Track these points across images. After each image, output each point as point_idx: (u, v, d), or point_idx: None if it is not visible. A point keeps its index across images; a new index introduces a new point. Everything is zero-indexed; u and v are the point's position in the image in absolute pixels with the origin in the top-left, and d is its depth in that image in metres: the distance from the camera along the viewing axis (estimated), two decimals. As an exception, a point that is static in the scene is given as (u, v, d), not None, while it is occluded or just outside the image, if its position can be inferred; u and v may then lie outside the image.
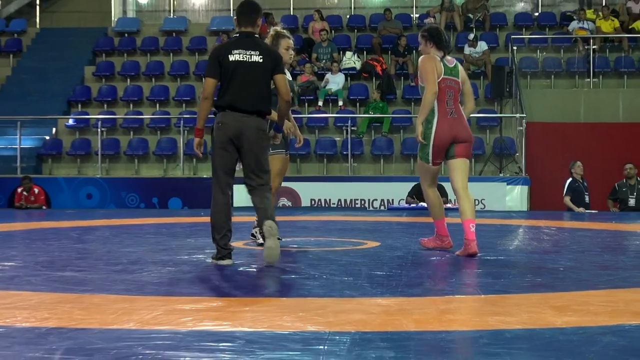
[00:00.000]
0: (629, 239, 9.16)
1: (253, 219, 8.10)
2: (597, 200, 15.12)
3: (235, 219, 7.49)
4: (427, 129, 7.03)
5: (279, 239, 6.26)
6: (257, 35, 6.71)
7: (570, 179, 14.70)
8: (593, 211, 14.41)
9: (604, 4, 20.91)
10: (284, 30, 7.86)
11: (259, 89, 6.58)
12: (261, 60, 6.52)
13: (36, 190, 15.73)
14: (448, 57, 7.20)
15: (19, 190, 15.70)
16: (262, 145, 6.68)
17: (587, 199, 14.59)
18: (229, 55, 6.51)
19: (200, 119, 6.98)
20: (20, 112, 18.86)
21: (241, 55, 6.51)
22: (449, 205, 14.81)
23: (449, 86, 7.05)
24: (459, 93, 7.17)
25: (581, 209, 14.38)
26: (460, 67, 7.23)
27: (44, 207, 15.66)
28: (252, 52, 6.53)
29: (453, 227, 7.78)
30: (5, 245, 8.40)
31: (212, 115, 6.92)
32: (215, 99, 6.80)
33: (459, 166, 7.20)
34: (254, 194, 6.67)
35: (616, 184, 14.72)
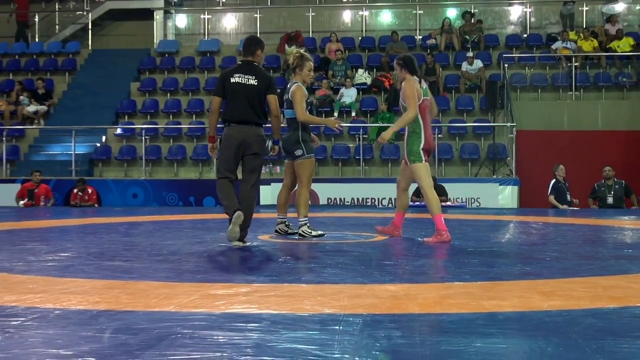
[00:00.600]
0: (607, 232, 9.11)
1: (275, 215, 8.11)
2: (578, 198, 15.06)
3: (260, 215, 7.53)
4: (416, 139, 7.47)
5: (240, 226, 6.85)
6: (255, 64, 7.29)
7: (554, 180, 14.66)
8: (575, 208, 14.35)
9: (584, 27, 20.80)
10: (307, 54, 7.95)
11: (254, 105, 7.11)
12: (256, 83, 7.10)
13: (89, 190, 15.79)
14: (421, 81, 7.68)
15: (75, 190, 15.75)
16: (260, 148, 7.19)
17: (568, 197, 14.55)
18: (231, 78, 7.17)
19: (210, 128, 7.57)
20: (74, 123, 18.96)
21: (240, 78, 7.14)
22: (448, 203, 14.80)
23: (427, 105, 7.56)
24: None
25: (565, 207, 14.33)
26: (427, 88, 7.72)
27: (95, 206, 15.70)
28: (249, 77, 7.15)
29: (449, 223, 7.75)
30: (61, 238, 8.44)
31: (221, 125, 7.42)
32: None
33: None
34: (243, 187, 7.26)
35: (596, 184, 14.65)
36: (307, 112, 7.88)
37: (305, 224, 7.80)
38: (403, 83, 7.54)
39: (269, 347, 3.09)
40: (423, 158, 7.48)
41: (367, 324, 3.52)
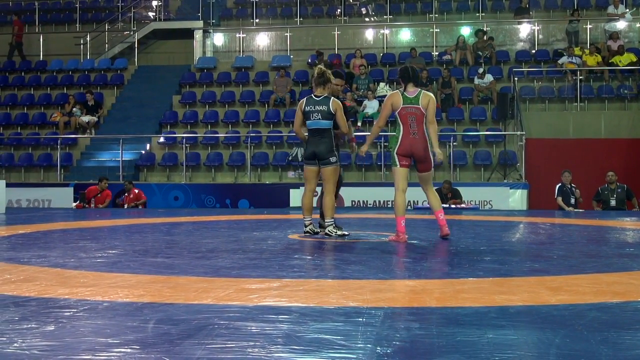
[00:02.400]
0: (610, 232, 9.02)
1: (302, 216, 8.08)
2: (583, 201, 14.93)
3: (290, 216, 7.54)
4: (394, 143, 7.46)
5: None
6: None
7: (560, 184, 14.55)
8: (580, 210, 14.23)
9: (588, 43, 20.65)
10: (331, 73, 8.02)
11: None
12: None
13: (136, 190, 15.87)
14: (410, 89, 7.42)
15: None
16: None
17: (572, 200, 14.43)
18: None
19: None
20: (122, 132, 19.13)
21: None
22: (463, 205, 14.73)
23: (409, 112, 7.36)
24: (423, 117, 7.37)
25: (570, 208, 14.21)
26: (422, 96, 7.38)
27: (140, 205, 15.75)
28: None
29: (463, 224, 7.70)
30: (110, 237, 8.50)
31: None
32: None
33: (422, 178, 7.58)
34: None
35: (599, 188, 14.51)
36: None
37: (332, 224, 7.80)
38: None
39: (298, 337, 3.08)
40: (398, 162, 7.34)
41: (388, 316, 3.51)
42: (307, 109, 7.77)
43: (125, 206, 15.57)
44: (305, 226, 8.00)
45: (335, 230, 7.78)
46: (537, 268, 5.38)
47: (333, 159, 7.73)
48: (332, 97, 7.78)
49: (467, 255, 6.16)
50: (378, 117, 7.58)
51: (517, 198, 15.61)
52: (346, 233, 7.84)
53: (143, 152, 19.21)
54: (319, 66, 8.08)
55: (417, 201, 15.22)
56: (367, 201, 15.86)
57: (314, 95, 7.82)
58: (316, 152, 7.74)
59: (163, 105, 21.07)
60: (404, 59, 20.78)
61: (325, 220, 7.86)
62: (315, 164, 7.81)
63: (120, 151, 18.40)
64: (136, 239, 8.01)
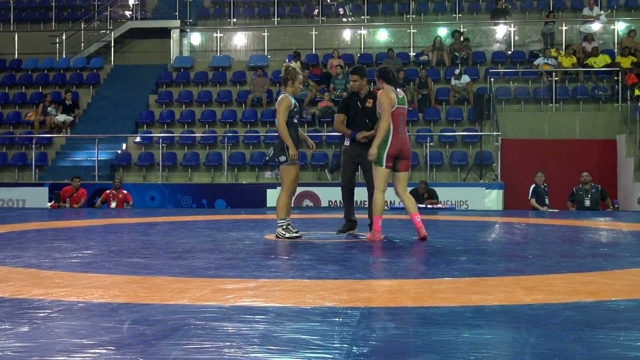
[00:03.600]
0: (584, 232, 9.10)
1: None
2: (558, 201, 15.05)
3: (266, 216, 7.53)
4: (384, 144, 7.37)
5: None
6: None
7: (534, 184, 14.65)
8: (554, 210, 14.33)
9: (564, 44, 20.83)
10: (297, 68, 7.91)
11: None
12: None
13: (125, 191, 15.75)
14: (398, 90, 7.60)
15: (108, 190, 15.72)
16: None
17: (547, 200, 14.55)
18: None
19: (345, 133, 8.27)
20: (98, 131, 19.00)
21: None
22: (439, 205, 14.78)
23: (400, 113, 7.49)
24: (406, 117, 7.64)
25: (545, 208, 14.33)
26: (405, 97, 7.67)
27: (130, 204, 15.65)
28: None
29: (440, 224, 7.72)
30: (85, 237, 8.44)
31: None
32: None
33: (401, 178, 7.53)
34: None
35: (574, 188, 14.63)
36: (302, 123, 7.93)
37: (281, 226, 7.62)
38: (379, 92, 7.54)
39: (274, 337, 3.08)
40: (384, 163, 7.34)
41: (365, 316, 3.51)
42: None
43: (113, 205, 15.44)
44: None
45: (283, 233, 7.58)
46: (512, 268, 5.41)
47: (282, 159, 7.57)
48: (284, 94, 7.65)
49: (443, 255, 6.18)
50: (383, 115, 7.35)
51: (492, 198, 15.70)
52: (297, 235, 7.59)
53: (119, 151, 19.10)
54: (287, 63, 8.03)
55: (394, 201, 15.27)
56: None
57: None
58: (273, 151, 7.71)
59: (139, 104, 20.96)
60: (381, 60, 20.84)
61: (277, 221, 7.68)
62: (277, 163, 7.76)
63: (96, 151, 18.29)
64: (112, 239, 7.96)
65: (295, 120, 7.71)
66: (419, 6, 23.15)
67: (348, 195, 8.20)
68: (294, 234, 7.62)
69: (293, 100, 7.67)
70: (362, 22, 23.06)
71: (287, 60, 20.82)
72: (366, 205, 8.41)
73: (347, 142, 8.18)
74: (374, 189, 7.63)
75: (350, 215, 8.20)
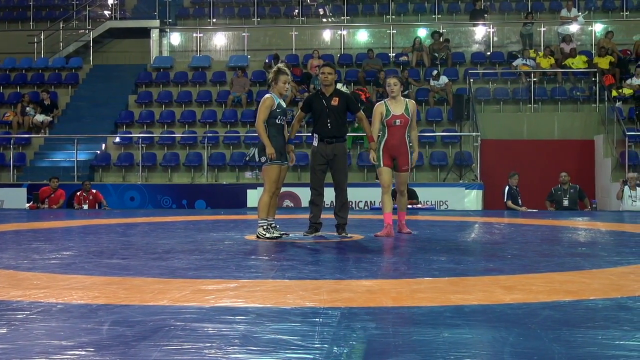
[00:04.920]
0: (562, 232, 9.16)
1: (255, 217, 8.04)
2: (537, 201, 15.15)
3: (247, 216, 7.51)
4: (380, 147, 8.09)
5: None
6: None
7: (507, 187, 14.72)
8: (533, 210, 14.42)
9: (542, 45, 20.97)
10: (284, 67, 7.88)
11: None
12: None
13: (94, 190, 15.68)
14: (394, 100, 8.09)
15: (78, 193, 15.63)
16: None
17: (520, 202, 14.64)
18: None
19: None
20: (76, 132, 18.89)
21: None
22: (419, 205, 14.83)
23: (396, 119, 7.99)
24: (408, 123, 8.04)
25: (524, 208, 14.42)
26: (408, 104, 8.09)
27: (104, 204, 15.58)
28: None
29: (420, 224, 7.75)
30: (64, 238, 8.38)
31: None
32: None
33: (397, 177, 8.24)
34: None
35: (553, 188, 14.72)
36: (288, 124, 7.88)
37: (261, 226, 7.61)
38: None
39: (255, 338, 3.07)
40: (382, 163, 8.01)
41: (345, 316, 3.52)
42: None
43: (86, 207, 15.35)
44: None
45: (264, 233, 7.57)
46: (491, 267, 5.44)
47: (262, 159, 7.58)
48: (268, 94, 7.67)
49: (423, 255, 6.20)
50: (372, 127, 8.08)
51: (472, 198, 15.77)
52: (277, 235, 7.58)
53: (98, 152, 18.99)
54: (277, 65, 7.99)
55: (374, 202, 15.31)
56: (324, 201, 15.86)
57: None
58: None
59: (118, 104, 20.86)
60: (361, 60, 20.90)
61: (258, 221, 7.67)
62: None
63: (74, 151, 18.18)
64: (91, 240, 7.91)
65: (279, 121, 7.66)
66: (398, 7, 23.22)
67: (319, 197, 8.18)
68: (275, 235, 7.60)
69: (277, 101, 7.63)
70: (342, 22, 23.09)
71: (267, 61, 20.83)
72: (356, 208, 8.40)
73: (315, 142, 8.12)
74: (342, 190, 8.03)
75: (318, 217, 8.17)
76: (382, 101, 8.19)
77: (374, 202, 15.27)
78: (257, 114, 7.62)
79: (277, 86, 7.68)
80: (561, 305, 3.84)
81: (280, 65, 8.02)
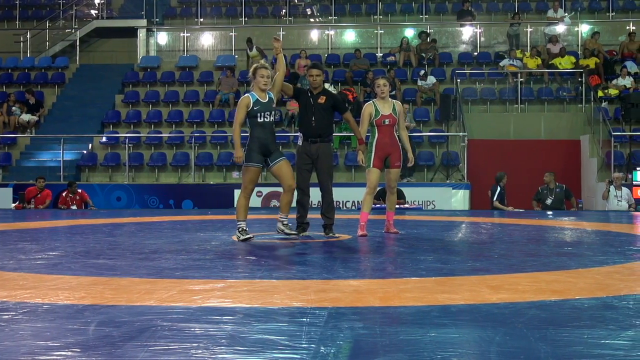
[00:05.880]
0: (549, 232, 9.20)
1: (249, 217, 8.04)
2: (524, 201, 15.20)
3: (233, 217, 7.50)
4: (370, 148, 8.19)
5: None
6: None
7: (499, 187, 14.75)
8: (520, 210, 14.47)
9: (529, 46, 21.05)
10: (263, 62, 7.82)
11: None
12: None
13: (79, 191, 15.61)
14: (383, 100, 8.18)
15: (64, 193, 15.56)
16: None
17: (505, 202, 14.73)
18: None
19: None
20: (63, 131, 18.81)
21: None
22: (406, 205, 14.85)
23: (384, 118, 8.10)
24: (396, 122, 8.18)
25: (510, 208, 14.47)
26: (395, 105, 8.21)
27: (90, 204, 15.51)
28: None
29: (407, 223, 7.77)
30: (50, 238, 8.34)
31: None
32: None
33: (387, 174, 8.29)
34: None
35: (539, 188, 14.77)
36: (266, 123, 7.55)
37: (238, 228, 7.52)
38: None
39: (242, 338, 3.07)
40: (372, 164, 8.08)
41: (332, 316, 3.52)
42: None
43: (74, 207, 15.28)
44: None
45: (239, 235, 7.49)
46: (478, 267, 5.46)
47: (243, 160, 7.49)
48: (246, 93, 7.58)
49: (410, 255, 6.21)
50: (361, 127, 8.20)
51: (459, 198, 15.81)
52: (249, 237, 7.46)
53: (85, 152, 18.91)
54: (261, 62, 7.86)
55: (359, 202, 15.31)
56: (311, 201, 15.81)
57: None
58: None
59: (105, 104, 20.78)
60: (348, 60, 20.91)
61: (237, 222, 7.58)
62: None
63: (61, 151, 18.10)
64: (77, 240, 7.88)
65: (261, 119, 7.46)
66: (386, 7, 23.25)
67: (305, 197, 8.15)
68: (247, 236, 7.45)
69: (254, 98, 7.45)
70: (330, 22, 23.10)
71: (249, 50, 20.80)
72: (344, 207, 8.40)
73: (300, 142, 8.08)
74: (326, 191, 8.07)
75: (304, 217, 8.14)
76: (371, 101, 8.22)
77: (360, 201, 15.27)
78: (235, 115, 7.54)
79: (255, 81, 7.52)
80: (547, 304, 3.86)
81: (262, 61, 7.93)
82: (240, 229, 7.52)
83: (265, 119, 7.51)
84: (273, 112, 7.61)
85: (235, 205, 7.76)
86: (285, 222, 7.77)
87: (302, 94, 8.06)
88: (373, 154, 8.09)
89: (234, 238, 7.62)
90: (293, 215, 8.11)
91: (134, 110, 20.23)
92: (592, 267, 5.39)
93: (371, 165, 8.09)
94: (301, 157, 8.05)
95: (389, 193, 8.42)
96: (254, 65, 7.65)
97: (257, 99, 7.48)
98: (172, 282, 4.62)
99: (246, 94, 7.57)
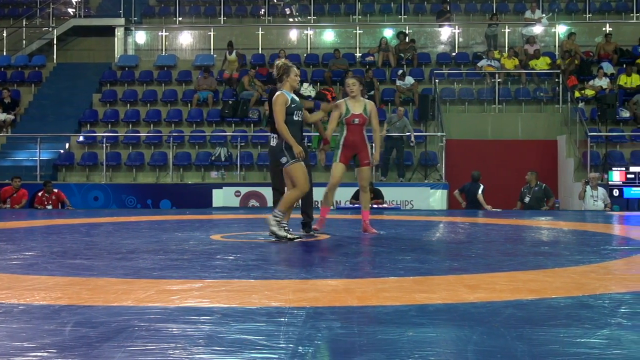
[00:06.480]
0: (526, 231, 9.25)
1: (226, 217, 8.03)
2: (500, 200, 15.29)
3: (212, 216, 7.46)
4: (338, 145, 8.29)
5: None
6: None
7: (482, 185, 14.83)
8: (497, 210, 14.54)
9: (507, 46, 21.18)
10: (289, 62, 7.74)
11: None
12: None
13: (56, 190, 15.50)
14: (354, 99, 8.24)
15: (40, 193, 15.45)
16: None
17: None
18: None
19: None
20: (40, 131, 18.66)
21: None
22: (384, 205, 14.89)
23: (353, 117, 8.16)
24: (366, 122, 8.21)
25: (489, 207, 14.54)
26: (367, 105, 8.23)
27: (67, 203, 15.40)
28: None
29: (385, 223, 7.77)
30: (26, 238, 8.27)
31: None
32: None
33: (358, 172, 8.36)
34: None
35: (522, 187, 14.83)
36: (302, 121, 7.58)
37: (276, 218, 7.36)
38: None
39: (220, 338, 3.06)
40: (338, 158, 8.24)
41: (310, 316, 3.52)
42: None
43: (50, 207, 15.16)
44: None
45: (276, 228, 7.37)
46: (456, 267, 5.48)
47: (283, 160, 7.37)
48: (280, 91, 7.39)
49: (388, 255, 6.22)
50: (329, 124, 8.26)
51: (437, 198, 15.87)
52: (288, 236, 7.35)
53: (62, 151, 18.78)
54: (282, 60, 7.70)
55: (340, 201, 15.34)
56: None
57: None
58: (272, 153, 7.58)
59: (83, 103, 20.64)
60: (327, 60, 20.92)
61: (275, 211, 7.47)
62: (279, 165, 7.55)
63: (37, 150, 17.96)
64: (54, 240, 7.82)
65: (296, 117, 7.42)
66: (365, 7, 23.29)
67: (280, 197, 8.07)
68: (287, 235, 7.35)
69: (290, 96, 7.41)
70: (309, 22, 23.10)
71: (228, 54, 20.75)
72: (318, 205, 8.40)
73: (272, 143, 7.93)
74: (276, 190, 8.20)
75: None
76: (343, 100, 8.27)
77: (340, 201, 15.30)
78: (275, 115, 7.33)
79: (289, 80, 7.41)
80: (524, 303, 3.88)
81: (284, 60, 7.80)
82: (278, 220, 7.34)
83: (299, 118, 7.52)
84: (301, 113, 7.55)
85: (274, 200, 7.74)
86: (279, 220, 7.47)
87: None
88: (340, 150, 8.16)
89: (275, 232, 7.36)
90: (298, 215, 8.09)
91: (111, 109, 20.11)
92: (569, 267, 5.43)
93: (337, 160, 8.16)
94: (270, 157, 8.03)
95: (361, 192, 8.46)
96: (286, 64, 7.50)
97: (293, 97, 7.46)
98: (150, 282, 4.59)
99: (280, 92, 7.39)
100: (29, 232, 9.13)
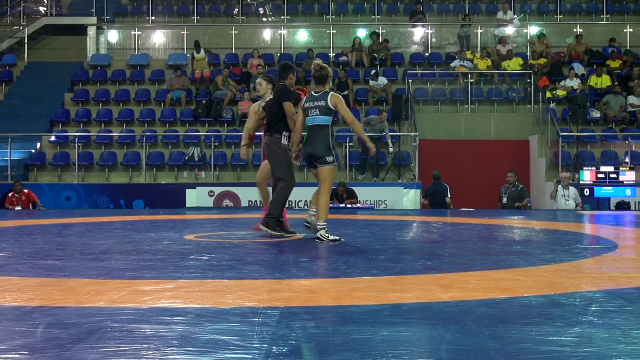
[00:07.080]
0: (498, 231, 9.31)
1: (199, 217, 8.00)
2: (472, 199, 15.38)
3: (186, 216, 7.43)
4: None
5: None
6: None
7: (446, 184, 14.94)
8: (470, 209, 14.62)
9: (479, 47, 21.32)
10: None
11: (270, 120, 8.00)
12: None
13: (26, 190, 15.35)
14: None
15: (10, 194, 15.28)
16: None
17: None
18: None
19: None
20: (10, 130, 18.44)
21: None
22: (358, 205, 14.91)
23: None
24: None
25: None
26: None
27: (38, 204, 15.26)
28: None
29: (359, 223, 7.77)
30: (-3, 239, 8.18)
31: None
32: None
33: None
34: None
35: (502, 187, 14.92)
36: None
37: (324, 228, 7.31)
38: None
39: (193, 339, 3.05)
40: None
41: (284, 315, 3.52)
42: (306, 105, 7.47)
43: (18, 208, 15.00)
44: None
45: (327, 235, 7.26)
46: (429, 266, 5.50)
47: (329, 158, 7.33)
48: (332, 92, 7.38)
49: (362, 254, 6.24)
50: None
51: (410, 197, 15.93)
52: (337, 238, 7.27)
53: (33, 151, 18.59)
54: (317, 61, 7.66)
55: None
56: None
57: (314, 92, 7.51)
58: (311, 152, 7.43)
59: (54, 102, 20.45)
60: (301, 60, 20.91)
61: (318, 224, 7.36)
62: (314, 167, 7.48)
63: (8, 150, 17.75)
64: (25, 240, 7.74)
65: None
66: (338, 7, 23.32)
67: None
68: (337, 237, 7.30)
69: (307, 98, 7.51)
70: (282, 22, 23.08)
71: (195, 53, 20.65)
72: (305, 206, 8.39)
73: (284, 141, 7.96)
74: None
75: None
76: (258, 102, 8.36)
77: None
78: (343, 114, 7.35)
79: (329, 84, 7.50)
80: (496, 302, 3.91)
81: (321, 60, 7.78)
82: (325, 229, 7.29)
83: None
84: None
85: (318, 207, 7.41)
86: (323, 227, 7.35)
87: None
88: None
89: (322, 237, 7.28)
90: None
91: (83, 108, 19.95)
92: (541, 265, 5.48)
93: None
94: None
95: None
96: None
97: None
98: (123, 282, 4.57)
99: (332, 93, 7.40)
100: (0, 233, 9.03)
